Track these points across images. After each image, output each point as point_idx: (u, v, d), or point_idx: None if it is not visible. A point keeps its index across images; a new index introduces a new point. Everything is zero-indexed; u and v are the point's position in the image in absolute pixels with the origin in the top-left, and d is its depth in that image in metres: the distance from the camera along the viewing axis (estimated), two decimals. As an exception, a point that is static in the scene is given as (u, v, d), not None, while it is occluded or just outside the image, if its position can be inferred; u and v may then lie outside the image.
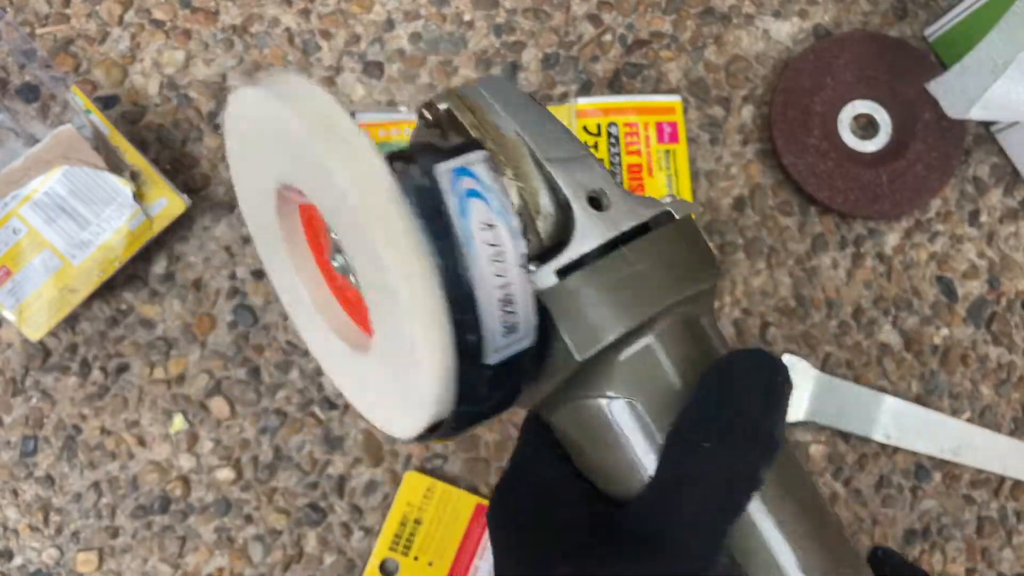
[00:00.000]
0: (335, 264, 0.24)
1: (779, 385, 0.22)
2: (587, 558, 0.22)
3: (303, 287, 0.25)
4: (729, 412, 0.22)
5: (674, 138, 0.53)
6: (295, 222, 0.24)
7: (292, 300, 0.26)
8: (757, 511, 0.23)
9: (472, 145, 0.21)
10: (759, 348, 0.24)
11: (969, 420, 0.53)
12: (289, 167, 0.22)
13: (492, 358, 0.20)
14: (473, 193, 0.20)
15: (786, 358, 0.51)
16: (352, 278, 0.23)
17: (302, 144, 0.20)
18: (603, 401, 0.23)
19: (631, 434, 0.23)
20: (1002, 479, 0.53)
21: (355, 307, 0.25)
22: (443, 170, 0.20)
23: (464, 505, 0.49)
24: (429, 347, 0.19)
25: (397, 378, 0.21)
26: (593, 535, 0.23)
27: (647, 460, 0.23)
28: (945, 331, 0.54)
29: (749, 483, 0.21)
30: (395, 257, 0.19)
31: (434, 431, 0.22)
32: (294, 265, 0.25)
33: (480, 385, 0.21)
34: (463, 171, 0.20)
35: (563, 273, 0.22)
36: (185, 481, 0.49)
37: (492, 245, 0.20)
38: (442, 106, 0.24)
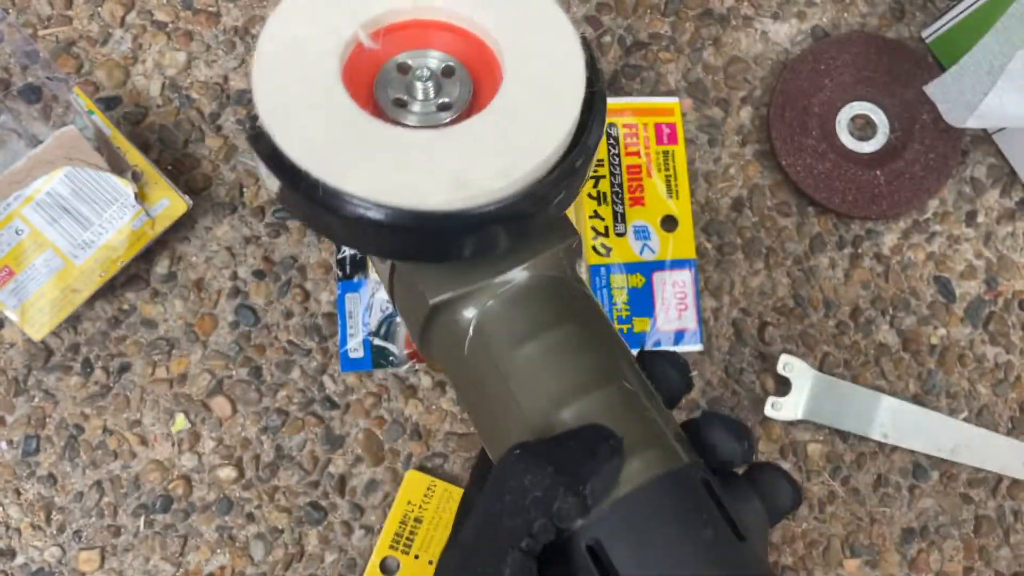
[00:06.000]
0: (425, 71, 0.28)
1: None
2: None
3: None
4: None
5: (673, 139, 0.53)
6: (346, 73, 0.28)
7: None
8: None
9: None
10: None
11: (966, 419, 0.53)
12: None
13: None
14: None
15: (784, 357, 0.51)
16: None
17: None
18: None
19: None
20: (999, 478, 0.53)
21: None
22: None
23: (464, 504, 0.49)
24: (579, 86, 0.27)
25: (518, 130, 0.26)
26: None
27: None
28: (943, 331, 0.54)
29: None
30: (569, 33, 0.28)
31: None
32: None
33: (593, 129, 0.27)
34: None
35: None
36: (187, 480, 0.50)
37: None
38: None
